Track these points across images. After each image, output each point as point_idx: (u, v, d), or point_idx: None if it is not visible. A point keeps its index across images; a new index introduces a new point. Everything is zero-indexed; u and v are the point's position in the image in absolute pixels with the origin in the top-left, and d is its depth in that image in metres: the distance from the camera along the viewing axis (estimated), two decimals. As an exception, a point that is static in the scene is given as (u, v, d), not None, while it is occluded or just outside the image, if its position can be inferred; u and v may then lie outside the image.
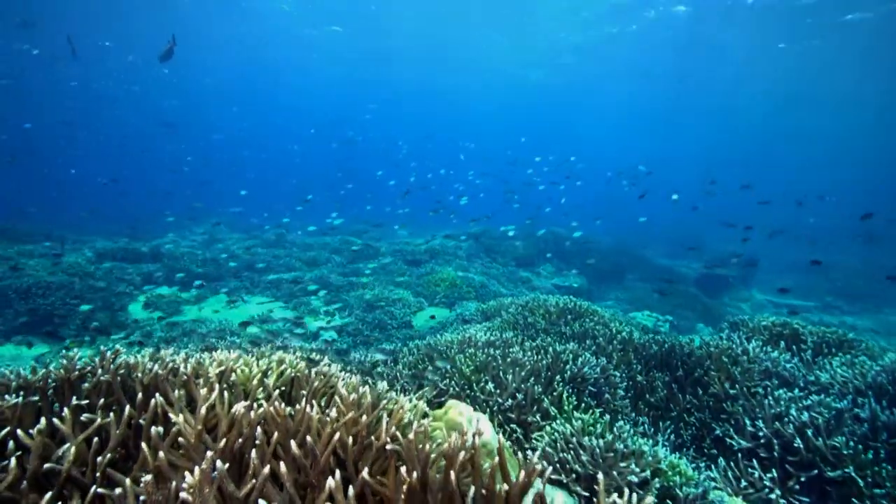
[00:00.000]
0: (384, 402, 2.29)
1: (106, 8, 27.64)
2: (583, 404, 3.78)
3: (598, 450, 2.97)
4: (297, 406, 1.80)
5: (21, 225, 15.39)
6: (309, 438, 1.41)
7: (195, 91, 45.81)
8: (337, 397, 1.82)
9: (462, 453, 1.32)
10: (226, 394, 1.96)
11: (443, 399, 4.03)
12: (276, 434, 1.49)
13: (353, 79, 44.27)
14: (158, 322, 9.26)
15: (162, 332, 8.87)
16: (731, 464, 3.42)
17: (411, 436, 1.49)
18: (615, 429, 3.19)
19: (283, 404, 1.72)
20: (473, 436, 1.45)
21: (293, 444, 1.36)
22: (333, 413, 1.55)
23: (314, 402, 1.90)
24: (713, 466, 3.56)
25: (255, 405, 1.88)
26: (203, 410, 1.52)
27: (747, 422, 3.55)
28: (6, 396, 1.80)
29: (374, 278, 12.21)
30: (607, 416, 3.37)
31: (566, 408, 3.66)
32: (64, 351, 2.27)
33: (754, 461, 3.33)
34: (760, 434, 3.38)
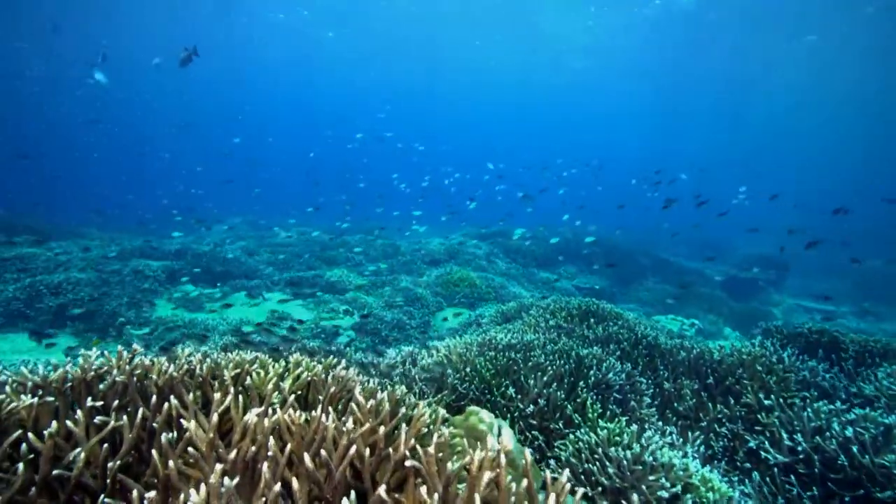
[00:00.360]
0: (403, 408, 2.21)
1: (130, 13, 28.52)
2: (608, 412, 3.64)
3: (625, 462, 2.83)
4: (314, 412, 1.73)
5: (59, 224, 15.87)
6: (324, 452, 1.33)
7: (212, 93, 46.78)
8: (353, 404, 1.74)
9: (488, 474, 1.22)
10: (240, 398, 1.91)
11: (462, 403, 3.94)
12: (289, 445, 1.42)
13: (360, 81, 44.72)
14: (181, 319, 9.41)
15: (184, 328, 9.01)
16: (767, 479, 3.24)
17: (431, 449, 1.39)
18: (643, 439, 3.05)
19: (298, 411, 1.65)
20: (499, 452, 1.34)
21: (307, 457, 1.29)
22: (350, 424, 1.47)
23: (330, 408, 1.83)
24: (747, 481, 3.38)
25: (269, 411, 1.81)
26: (215, 418, 1.45)
27: (784, 435, 3.36)
28: (22, 396, 1.77)
29: (393, 278, 12.18)
30: (634, 426, 3.22)
31: (590, 415, 3.52)
32: (83, 349, 2.25)
33: (792, 477, 3.14)
34: (799, 448, 3.18)
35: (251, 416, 1.48)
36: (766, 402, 3.79)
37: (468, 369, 4.26)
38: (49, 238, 13.29)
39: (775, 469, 3.28)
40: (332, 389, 1.94)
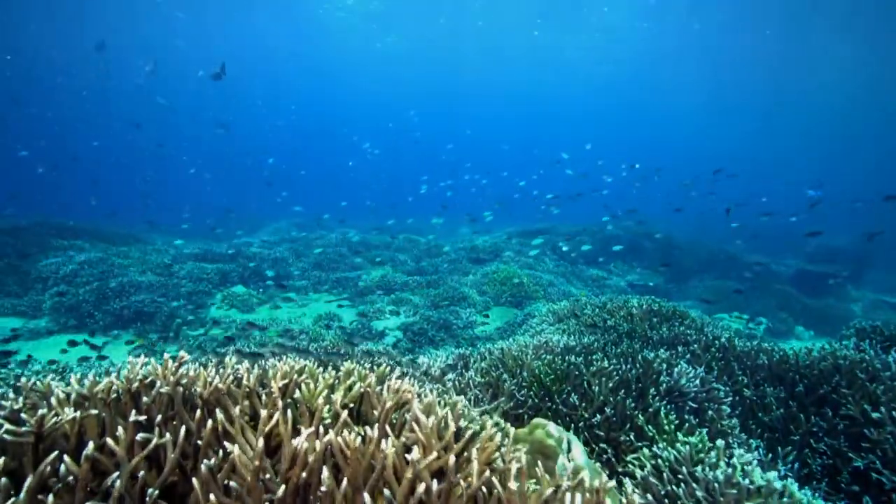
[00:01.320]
0: (465, 424, 1.97)
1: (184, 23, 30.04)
2: (686, 424, 3.26)
3: (716, 484, 2.47)
4: (369, 431, 1.53)
5: (119, 228, 16.80)
6: (387, 491, 1.12)
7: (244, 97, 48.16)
8: (414, 424, 1.52)
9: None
10: (289, 412, 1.73)
11: (520, 411, 3.67)
12: (345, 476, 1.22)
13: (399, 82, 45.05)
14: (233, 320, 9.63)
15: (236, 328, 9.21)
16: (884, 507, 2.78)
17: (513, 485, 1.15)
18: (735, 457, 2.67)
19: (352, 433, 1.44)
20: (597, 493, 1.08)
21: (367, 498, 1.08)
22: (416, 453, 1.25)
23: (388, 428, 1.62)
24: (857, 507, 2.92)
25: (320, 430, 1.63)
26: (261, 443, 1.28)
27: (903, 455, 2.88)
28: (66, 409, 1.67)
29: (438, 277, 12.02)
30: (720, 441, 2.84)
31: (666, 427, 3.16)
32: (130, 356, 2.15)
33: (918, 506, 2.66)
34: (926, 472, 2.70)
35: (301, 442, 1.29)
36: (875, 415, 3.29)
37: (525, 374, 3.98)
38: (111, 243, 14.07)
39: (893, 495, 2.82)
40: (388, 404, 1.73)
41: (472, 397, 3.90)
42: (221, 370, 2.05)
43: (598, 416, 3.43)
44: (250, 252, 13.00)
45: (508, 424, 2.47)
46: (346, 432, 1.47)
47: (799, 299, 12.41)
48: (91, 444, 1.32)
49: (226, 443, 1.38)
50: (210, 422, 1.55)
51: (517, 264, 12.91)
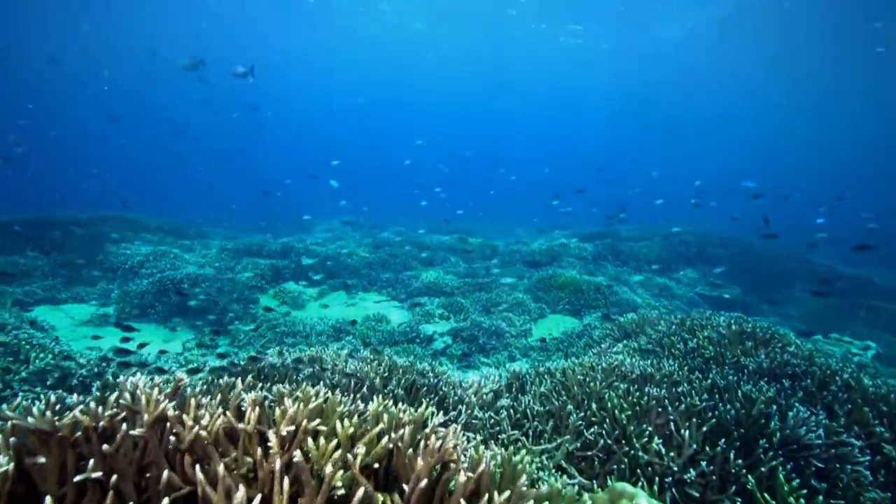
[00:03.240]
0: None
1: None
2: (819, 496, 2.49)
3: None
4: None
5: (183, 222, 17.54)
6: None
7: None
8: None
9: None
10: (286, 482, 1.25)
11: (588, 453, 3.03)
12: None
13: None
14: (283, 316, 9.54)
15: (285, 326, 9.09)
16: None
17: None
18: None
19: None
20: None
21: None
22: None
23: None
24: None
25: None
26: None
27: None
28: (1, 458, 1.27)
29: (491, 280, 11.42)
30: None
31: (791, 499, 2.41)
32: (122, 377, 1.73)
33: None
34: None
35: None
36: None
37: (594, 406, 3.33)
38: (176, 236, 14.63)
39: None
40: (423, 484, 1.19)
41: (531, 430, 3.29)
42: (220, 399, 1.61)
43: (692, 470, 2.72)
44: (302, 248, 13.02)
45: (586, 496, 1.88)
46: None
47: (911, 321, 10.68)
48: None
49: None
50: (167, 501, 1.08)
51: (575, 269, 12.04)
